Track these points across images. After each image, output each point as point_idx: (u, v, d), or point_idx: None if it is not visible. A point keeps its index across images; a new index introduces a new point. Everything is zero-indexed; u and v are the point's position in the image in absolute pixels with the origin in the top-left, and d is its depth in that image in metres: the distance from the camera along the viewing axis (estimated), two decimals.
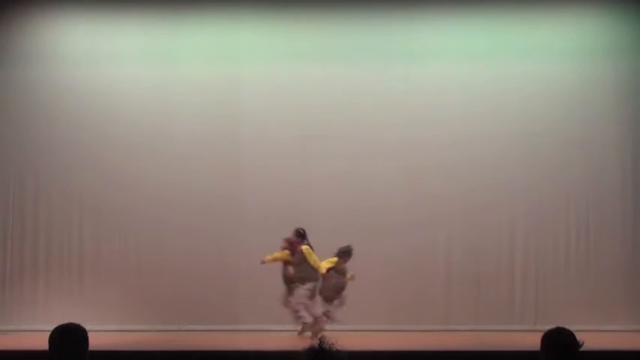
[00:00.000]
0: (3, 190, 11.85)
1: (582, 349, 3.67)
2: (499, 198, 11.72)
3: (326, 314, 10.14)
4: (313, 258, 10.21)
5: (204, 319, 10.91)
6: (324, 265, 10.18)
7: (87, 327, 3.65)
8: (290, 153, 11.77)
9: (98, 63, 11.89)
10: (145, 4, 12.00)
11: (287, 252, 10.47)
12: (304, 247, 10.29)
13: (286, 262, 10.51)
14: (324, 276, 10.13)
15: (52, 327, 3.63)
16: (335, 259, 10.23)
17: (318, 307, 10.21)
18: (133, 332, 10.66)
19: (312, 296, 10.21)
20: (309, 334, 10.11)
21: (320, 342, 3.03)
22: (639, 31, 11.88)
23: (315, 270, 10.16)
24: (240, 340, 10.33)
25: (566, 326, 3.79)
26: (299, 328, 10.34)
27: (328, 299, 10.18)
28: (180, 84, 11.92)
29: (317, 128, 11.77)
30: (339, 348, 3.03)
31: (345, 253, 10.26)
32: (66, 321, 3.68)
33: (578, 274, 11.66)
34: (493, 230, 11.69)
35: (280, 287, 10.60)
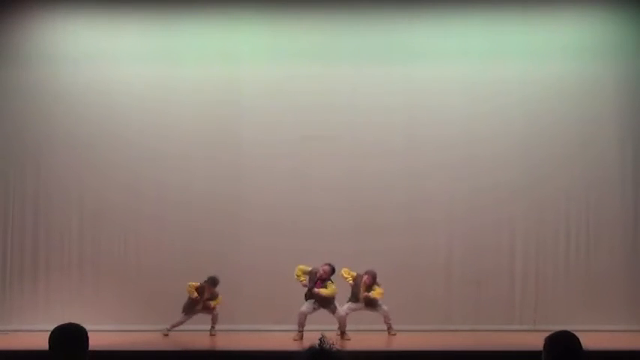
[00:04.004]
0: (3, 189, 11.83)
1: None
2: (499, 198, 11.71)
3: None
4: None
5: (205, 319, 10.87)
6: None
7: (87, 327, 3.65)
8: (290, 153, 11.76)
9: (98, 63, 11.87)
10: (145, 4, 11.99)
11: None
12: None
13: None
14: None
15: (52, 327, 3.63)
16: None
17: None
18: (132, 332, 10.65)
19: None
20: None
21: (320, 342, 3.03)
22: (639, 31, 11.88)
23: None
24: (240, 340, 10.32)
25: (566, 326, 3.77)
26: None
27: None
28: (181, 84, 11.91)
29: (317, 129, 11.76)
30: (339, 348, 3.03)
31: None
32: (66, 321, 3.68)
33: (578, 274, 11.65)
34: (493, 230, 11.68)
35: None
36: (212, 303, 10.63)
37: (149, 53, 12.00)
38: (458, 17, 11.83)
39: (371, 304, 10.52)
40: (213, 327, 10.67)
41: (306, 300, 10.31)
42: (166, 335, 10.51)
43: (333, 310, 10.26)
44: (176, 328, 10.58)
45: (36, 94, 11.85)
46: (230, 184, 11.76)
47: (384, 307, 10.53)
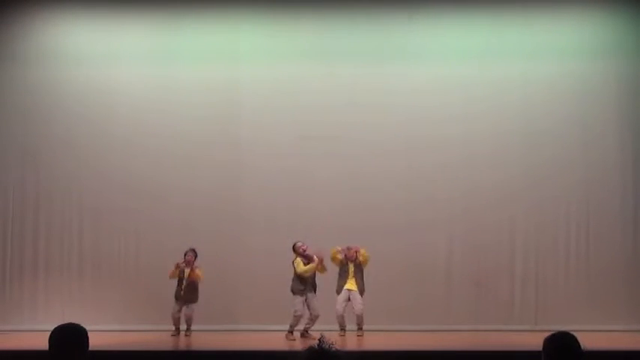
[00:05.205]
0: (3, 190, 11.85)
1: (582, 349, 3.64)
2: (499, 198, 11.72)
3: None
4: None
5: (204, 319, 10.89)
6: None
7: (87, 327, 3.64)
8: (290, 153, 11.77)
9: (98, 63, 11.89)
10: (145, 4, 12.00)
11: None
12: None
13: None
14: None
15: (52, 327, 3.63)
16: None
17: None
18: (133, 332, 10.66)
19: None
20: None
21: (320, 342, 3.04)
22: (639, 31, 11.89)
23: None
24: (240, 340, 10.31)
25: (566, 326, 3.77)
26: None
27: None
28: (181, 84, 11.93)
29: (317, 128, 11.77)
30: (338, 348, 3.03)
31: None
32: (66, 321, 3.68)
33: (578, 274, 11.65)
34: (493, 230, 11.69)
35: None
36: (197, 272, 10.64)
37: (149, 53, 12.01)
38: (457, 17, 11.84)
39: (359, 276, 10.55)
40: (188, 328, 10.65)
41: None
42: (188, 335, 10.55)
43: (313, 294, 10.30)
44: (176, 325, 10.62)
45: (36, 94, 11.86)
46: (230, 184, 11.77)
47: (359, 301, 10.48)
